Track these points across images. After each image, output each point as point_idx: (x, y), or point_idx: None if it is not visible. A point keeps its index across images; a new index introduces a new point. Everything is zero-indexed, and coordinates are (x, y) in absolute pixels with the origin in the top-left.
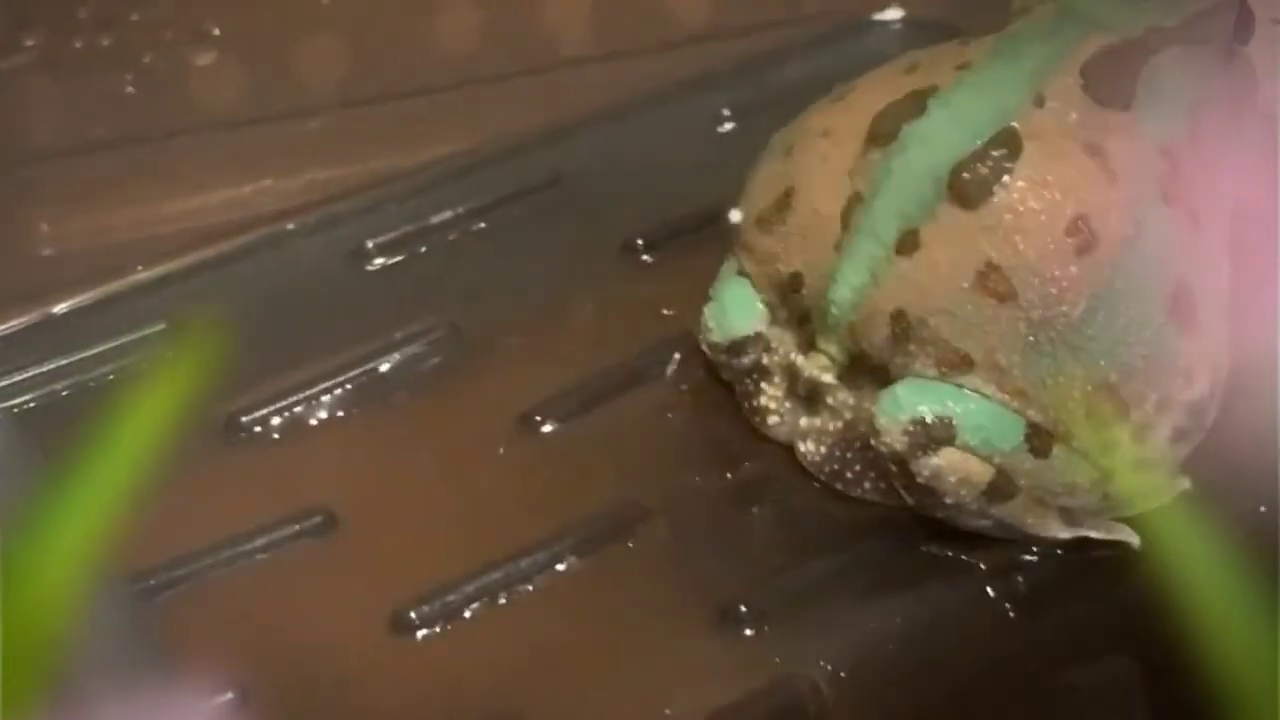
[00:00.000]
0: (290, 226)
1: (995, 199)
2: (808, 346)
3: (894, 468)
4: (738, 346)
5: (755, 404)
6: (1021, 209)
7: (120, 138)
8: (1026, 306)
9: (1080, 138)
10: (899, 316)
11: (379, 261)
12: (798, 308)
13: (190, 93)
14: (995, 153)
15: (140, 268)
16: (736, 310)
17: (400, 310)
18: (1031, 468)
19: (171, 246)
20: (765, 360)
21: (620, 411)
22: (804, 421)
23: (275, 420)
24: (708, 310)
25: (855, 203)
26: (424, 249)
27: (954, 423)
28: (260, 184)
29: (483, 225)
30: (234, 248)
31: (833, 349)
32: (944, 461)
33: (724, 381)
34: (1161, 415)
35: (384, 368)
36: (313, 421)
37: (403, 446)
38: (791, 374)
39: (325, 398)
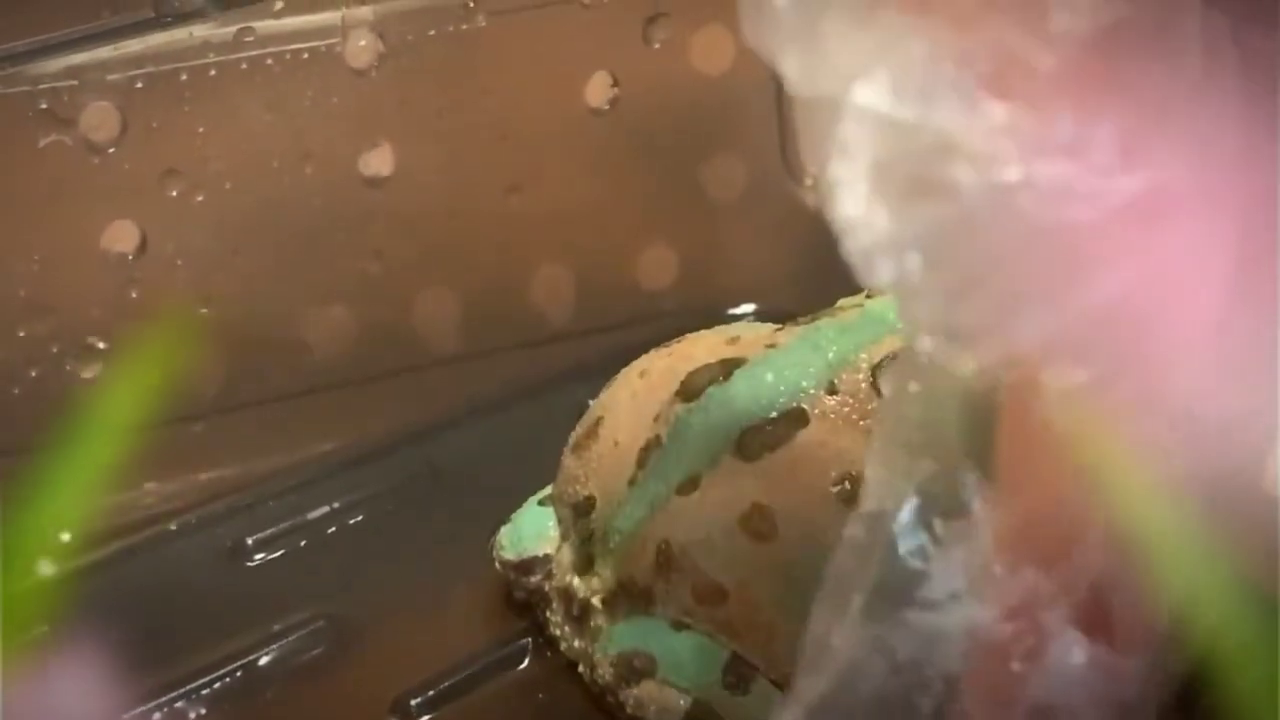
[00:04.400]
0: (172, 527)
1: (775, 454)
2: (585, 568)
3: (608, 698)
4: (526, 565)
5: (549, 634)
6: (797, 464)
7: (7, 449)
8: (785, 546)
9: (862, 425)
10: (664, 546)
11: (259, 557)
12: (585, 529)
13: (77, 404)
14: (783, 425)
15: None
16: (530, 531)
17: (279, 604)
18: (728, 703)
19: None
20: (546, 586)
21: (493, 693)
22: (578, 644)
23: (155, 716)
24: (503, 530)
25: (654, 445)
26: (303, 543)
27: (654, 657)
28: (144, 488)
29: (360, 518)
30: (116, 550)
31: (606, 573)
32: (643, 693)
33: None
34: None
35: (263, 661)
36: (193, 716)
37: None
38: (566, 596)
39: (205, 692)
